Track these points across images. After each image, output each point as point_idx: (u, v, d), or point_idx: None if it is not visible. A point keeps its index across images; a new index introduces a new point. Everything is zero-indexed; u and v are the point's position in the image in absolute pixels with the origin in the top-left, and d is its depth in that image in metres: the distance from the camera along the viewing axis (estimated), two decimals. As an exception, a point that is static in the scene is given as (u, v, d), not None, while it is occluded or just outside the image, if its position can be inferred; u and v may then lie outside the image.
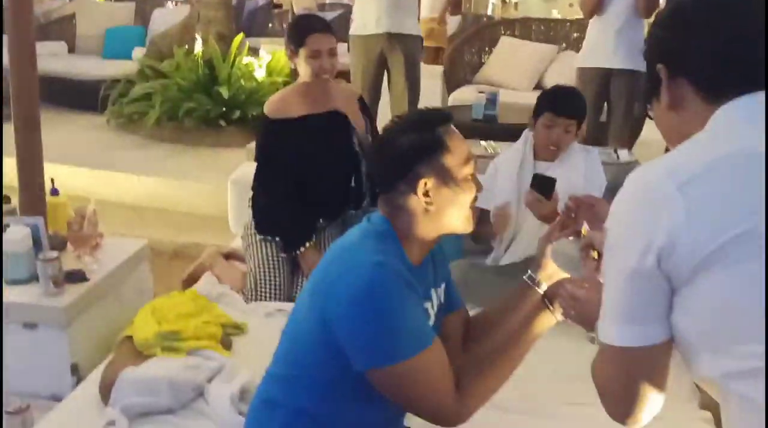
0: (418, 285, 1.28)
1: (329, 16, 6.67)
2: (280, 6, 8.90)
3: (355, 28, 3.83)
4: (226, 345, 1.99)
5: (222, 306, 2.22)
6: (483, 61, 5.32)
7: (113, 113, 5.06)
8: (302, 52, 2.30)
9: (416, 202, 1.27)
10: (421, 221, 1.29)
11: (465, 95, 4.70)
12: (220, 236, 3.18)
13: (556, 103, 2.31)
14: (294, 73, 2.66)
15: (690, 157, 0.86)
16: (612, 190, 2.37)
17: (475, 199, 1.31)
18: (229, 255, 2.65)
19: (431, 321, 1.35)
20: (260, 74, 5.01)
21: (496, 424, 1.58)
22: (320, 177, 2.40)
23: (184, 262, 3.00)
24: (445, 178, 1.27)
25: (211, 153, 4.56)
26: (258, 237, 2.46)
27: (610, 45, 3.61)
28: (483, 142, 3.08)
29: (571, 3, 9.33)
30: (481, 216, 2.48)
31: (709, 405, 1.67)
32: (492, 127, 3.91)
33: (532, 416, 1.67)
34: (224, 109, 4.69)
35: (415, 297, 1.25)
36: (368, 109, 2.64)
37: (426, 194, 1.27)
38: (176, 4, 6.88)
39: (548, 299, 1.32)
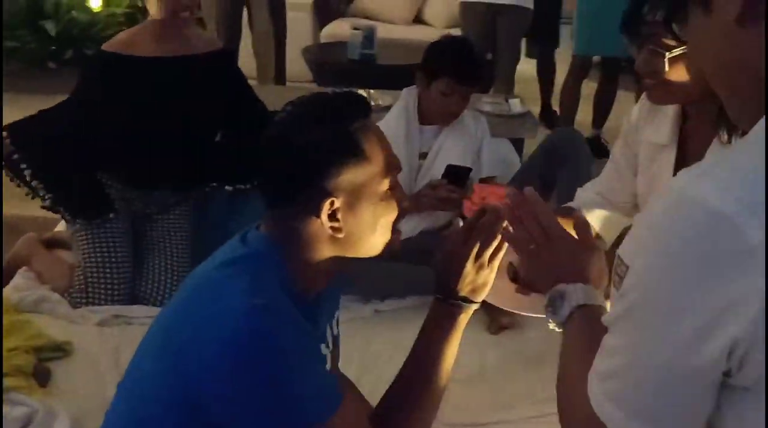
0: (313, 325, 0.95)
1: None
2: None
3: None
4: (42, 378, 1.55)
5: (39, 317, 1.76)
6: (357, -10, 4.85)
7: None
8: None
9: (318, 226, 0.92)
10: (323, 249, 0.95)
11: (339, 30, 4.27)
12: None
13: (460, 69, 1.93)
14: (143, 10, 2.21)
15: None
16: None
17: (399, 218, 0.97)
18: (53, 242, 2.13)
19: (327, 365, 1.03)
20: (96, 3, 4.29)
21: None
22: (159, 132, 1.97)
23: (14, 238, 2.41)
24: (360, 195, 0.92)
25: (39, 101, 3.82)
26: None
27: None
28: (362, 92, 2.67)
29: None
30: None
31: None
32: (371, 69, 3.53)
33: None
34: (53, 47, 4.01)
35: (312, 346, 0.94)
36: (235, 66, 2.22)
37: (333, 217, 0.91)
38: None
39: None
